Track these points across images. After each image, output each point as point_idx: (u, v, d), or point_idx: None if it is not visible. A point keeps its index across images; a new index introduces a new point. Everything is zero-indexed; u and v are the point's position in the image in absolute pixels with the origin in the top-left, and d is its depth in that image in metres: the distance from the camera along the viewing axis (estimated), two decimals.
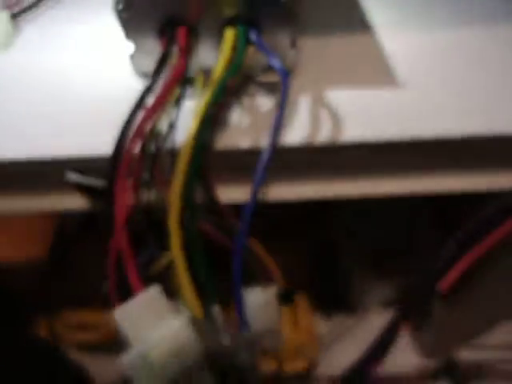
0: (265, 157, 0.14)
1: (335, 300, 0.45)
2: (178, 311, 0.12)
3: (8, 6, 0.22)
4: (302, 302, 0.39)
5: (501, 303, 0.34)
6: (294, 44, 0.16)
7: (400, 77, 0.17)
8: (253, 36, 0.16)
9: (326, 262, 0.43)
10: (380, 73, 0.17)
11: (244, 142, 0.15)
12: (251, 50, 0.16)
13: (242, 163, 0.15)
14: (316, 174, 0.17)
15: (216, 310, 0.13)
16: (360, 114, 0.16)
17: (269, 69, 0.17)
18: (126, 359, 0.11)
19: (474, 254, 0.16)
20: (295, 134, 0.15)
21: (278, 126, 0.14)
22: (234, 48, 0.15)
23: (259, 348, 0.14)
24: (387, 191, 0.18)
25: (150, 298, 0.12)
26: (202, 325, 0.12)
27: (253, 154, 0.15)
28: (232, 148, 0.15)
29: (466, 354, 0.44)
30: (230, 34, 0.15)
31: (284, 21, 0.16)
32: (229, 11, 0.16)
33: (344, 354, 0.43)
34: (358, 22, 0.19)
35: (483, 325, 0.38)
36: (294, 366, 0.37)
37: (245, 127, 0.16)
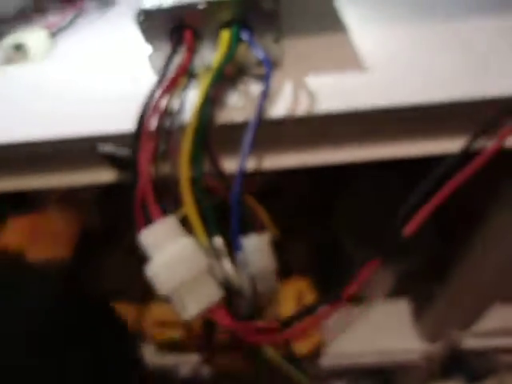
0: (252, 122, 0.18)
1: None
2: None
3: (48, 26, 0.28)
4: (308, 288, 0.42)
5: (494, 283, 0.37)
6: (277, 40, 0.21)
7: (367, 63, 0.21)
8: (244, 35, 0.20)
9: (329, 253, 0.47)
10: (350, 60, 0.21)
11: (238, 118, 0.19)
12: (244, 46, 0.20)
13: (238, 137, 0.19)
14: (301, 144, 0.21)
15: (219, 240, 0.17)
16: (333, 92, 0.20)
17: (260, 63, 0.21)
18: (149, 269, 0.15)
19: (433, 203, 0.19)
20: (280, 108, 0.19)
21: (263, 100, 0.18)
22: (229, 44, 0.20)
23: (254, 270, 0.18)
24: (365, 157, 0.21)
25: (166, 224, 0.16)
26: (206, 246, 0.16)
27: (245, 126, 0.19)
28: (228, 122, 0.19)
29: (470, 342, 0.46)
30: (225, 34, 0.20)
31: (268, 23, 0.20)
32: (225, 16, 0.20)
33: (348, 342, 0.46)
34: (333, 22, 0.24)
35: (480, 306, 0.40)
36: (301, 348, 0.40)
37: (239, 107, 0.20)
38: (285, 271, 0.40)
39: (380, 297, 0.49)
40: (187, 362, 0.49)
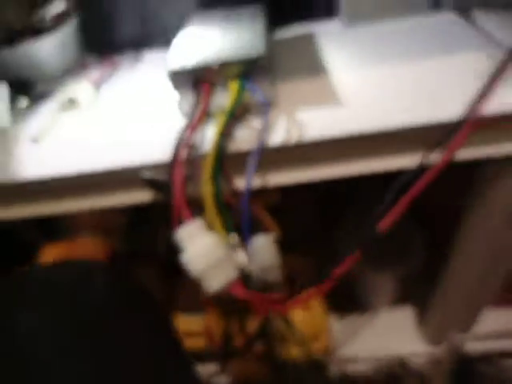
0: (255, 150, 0.25)
1: (349, 301, 0.54)
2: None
3: (91, 80, 0.36)
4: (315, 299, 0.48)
5: (478, 286, 0.42)
6: (272, 85, 0.28)
7: (344, 99, 0.28)
8: (247, 85, 0.28)
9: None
10: (330, 97, 0.29)
11: (245, 147, 0.27)
12: (247, 92, 0.28)
13: (245, 161, 0.26)
14: (294, 165, 0.28)
15: (234, 237, 0.24)
16: (317, 123, 0.27)
17: (260, 104, 0.28)
18: (183, 257, 0.22)
19: (401, 205, 0.26)
20: (276, 138, 0.27)
21: (263, 133, 0.25)
22: (237, 93, 0.27)
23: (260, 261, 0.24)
24: (344, 173, 0.28)
25: (195, 224, 0.23)
26: (225, 240, 0.23)
27: (250, 153, 0.26)
28: (237, 151, 0.27)
29: (473, 345, 0.51)
30: (234, 85, 0.27)
31: (265, 73, 0.28)
32: (232, 72, 0.28)
33: (357, 348, 0.51)
34: (317, 66, 0.31)
35: (472, 308, 0.45)
36: (307, 348, 0.45)
37: (245, 139, 0.27)
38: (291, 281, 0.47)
39: (385, 304, 0.54)
40: (203, 373, 0.54)
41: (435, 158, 0.26)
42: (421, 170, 0.26)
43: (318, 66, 0.32)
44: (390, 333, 0.52)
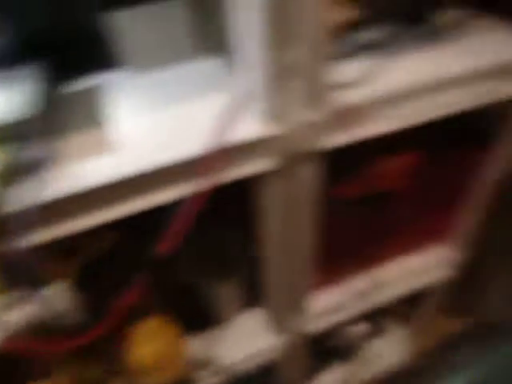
0: (31, 206, 0.27)
1: (201, 318, 0.58)
2: None
3: None
4: (167, 324, 0.50)
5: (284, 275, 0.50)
6: (50, 142, 0.31)
7: (118, 147, 0.33)
8: (21, 145, 0.30)
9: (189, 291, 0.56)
10: (106, 148, 0.33)
11: (22, 204, 0.28)
12: (23, 152, 0.30)
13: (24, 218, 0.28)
14: (79, 212, 0.31)
15: (11, 294, 0.25)
16: (92, 172, 0.30)
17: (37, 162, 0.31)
18: None
19: (177, 229, 0.31)
20: (54, 191, 0.29)
21: (38, 191, 0.28)
22: (10, 155, 0.29)
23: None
24: (155, 202, 0.32)
25: None
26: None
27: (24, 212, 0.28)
28: (16, 209, 0.28)
29: (314, 325, 0.59)
30: (6, 148, 0.29)
31: (40, 131, 0.30)
32: (4, 135, 0.29)
33: (219, 358, 0.55)
34: (98, 118, 0.35)
35: (294, 291, 0.54)
36: (161, 376, 0.48)
37: (22, 196, 0.29)
38: (143, 312, 0.49)
39: (235, 311, 0.60)
40: None
41: (199, 185, 0.32)
42: (185, 198, 0.31)
43: (100, 117, 0.36)
44: (245, 337, 0.57)
